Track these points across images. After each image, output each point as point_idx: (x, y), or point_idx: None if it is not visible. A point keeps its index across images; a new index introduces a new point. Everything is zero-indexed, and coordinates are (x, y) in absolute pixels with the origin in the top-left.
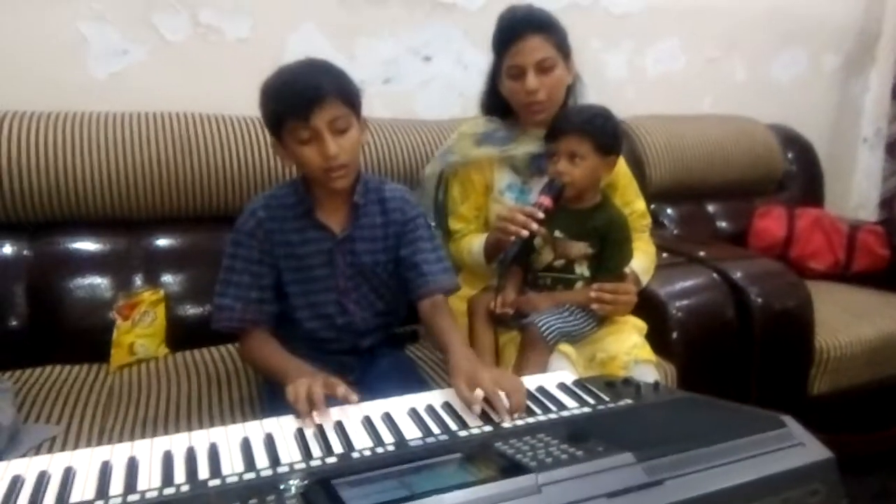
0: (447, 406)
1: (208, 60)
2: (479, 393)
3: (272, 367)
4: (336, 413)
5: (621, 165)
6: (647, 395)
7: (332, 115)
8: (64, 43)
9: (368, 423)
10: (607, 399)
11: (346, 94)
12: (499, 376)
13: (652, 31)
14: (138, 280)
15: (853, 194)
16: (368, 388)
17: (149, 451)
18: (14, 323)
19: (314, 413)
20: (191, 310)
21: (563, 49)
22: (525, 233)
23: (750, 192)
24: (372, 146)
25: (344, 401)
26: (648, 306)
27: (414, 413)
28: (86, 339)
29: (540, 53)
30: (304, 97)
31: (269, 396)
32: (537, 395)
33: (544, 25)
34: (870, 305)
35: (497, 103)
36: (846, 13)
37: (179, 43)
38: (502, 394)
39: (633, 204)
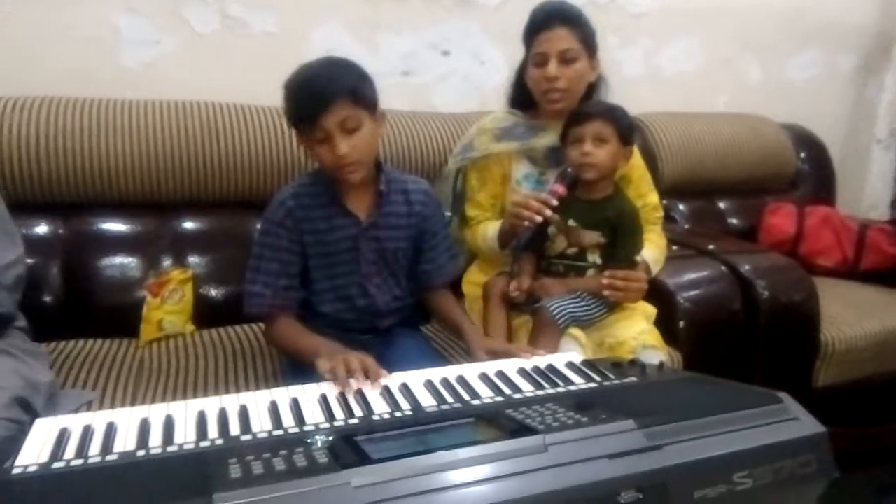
0: (461, 379)
1: (236, 52)
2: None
3: (301, 348)
4: (356, 383)
5: (636, 158)
6: (651, 374)
7: (340, 117)
8: (98, 34)
9: (387, 392)
10: (613, 377)
11: (356, 95)
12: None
13: (668, 30)
14: (167, 260)
15: (866, 195)
16: (387, 365)
17: (184, 411)
18: (49, 298)
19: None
20: (216, 289)
21: (589, 45)
22: (538, 219)
23: (761, 189)
24: (390, 138)
25: (374, 380)
26: (657, 296)
27: (430, 384)
28: (117, 315)
29: (564, 44)
30: (312, 101)
31: (292, 371)
32: (546, 372)
33: (572, 18)
34: (877, 302)
35: (522, 95)
36: (863, 14)
37: (208, 35)
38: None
39: (647, 197)
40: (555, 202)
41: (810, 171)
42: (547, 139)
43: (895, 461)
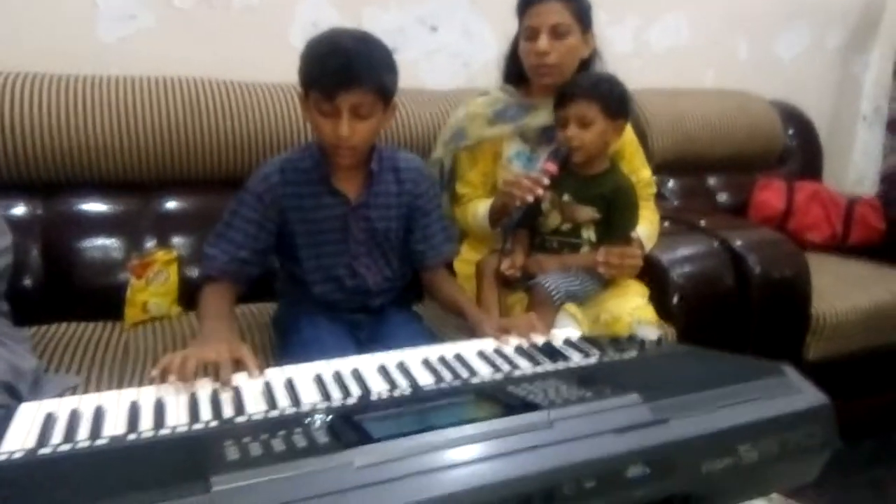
0: (458, 357)
1: (215, 27)
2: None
3: (203, 319)
4: (353, 361)
5: (629, 134)
6: (650, 349)
7: (357, 101)
8: (74, 7)
9: (384, 370)
10: (612, 352)
11: (380, 85)
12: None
13: (657, 6)
14: (150, 241)
15: (851, 170)
16: (379, 343)
17: (174, 394)
18: (29, 281)
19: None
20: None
21: (583, 20)
22: (530, 198)
23: (750, 165)
24: None
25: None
26: (650, 272)
27: (427, 363)
28: (100, 298)
29: (556, 18)
30: (335, 76)
31: (284, 352)
32: (545, 348)
33: None
34: (865, 276)
35: (515, 69)
36: None
37: (187, 9)
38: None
39: (640, 172)
40: (546, 181)
41: (798, 148)
42: (539, 118)
43: (883, 434)
